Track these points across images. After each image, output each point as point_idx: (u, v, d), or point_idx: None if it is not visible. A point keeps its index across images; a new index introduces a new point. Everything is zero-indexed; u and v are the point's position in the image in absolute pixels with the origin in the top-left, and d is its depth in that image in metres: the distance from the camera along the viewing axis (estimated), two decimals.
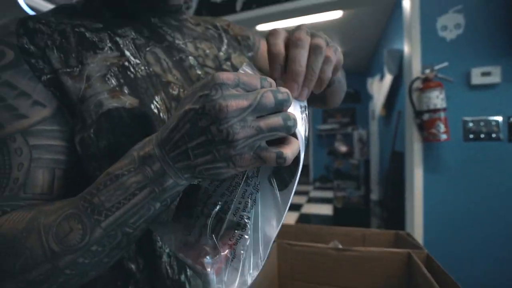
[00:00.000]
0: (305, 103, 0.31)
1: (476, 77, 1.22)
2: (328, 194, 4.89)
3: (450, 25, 1.28)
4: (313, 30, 0.30)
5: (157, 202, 0.25)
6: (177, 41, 0.43)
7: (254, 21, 1.72)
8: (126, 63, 0.36)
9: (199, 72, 0.42)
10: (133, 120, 0.33)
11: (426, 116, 1.24)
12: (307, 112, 0.31)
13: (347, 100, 6.52)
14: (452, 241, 1.28)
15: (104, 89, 0.33)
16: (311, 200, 4.84)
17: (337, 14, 3.33)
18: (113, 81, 0.34)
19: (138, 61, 0.37)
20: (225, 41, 0.51)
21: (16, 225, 0.27)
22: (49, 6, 2.94)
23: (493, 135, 1.21)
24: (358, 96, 6.45)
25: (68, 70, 0.33)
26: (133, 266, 0.35)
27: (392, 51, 2.89)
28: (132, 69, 0.36)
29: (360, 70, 6.18)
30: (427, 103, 1.23)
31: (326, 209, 3.96)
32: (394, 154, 2.94)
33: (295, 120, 0.23)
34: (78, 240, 0.24)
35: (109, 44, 0.36)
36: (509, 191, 1.19)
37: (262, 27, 2.33)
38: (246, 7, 1.64)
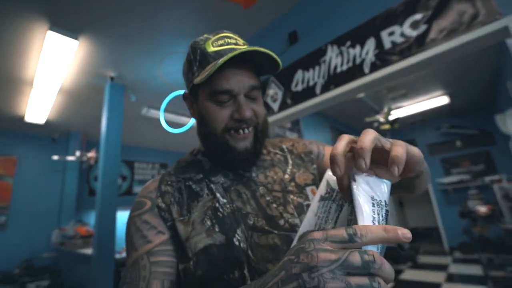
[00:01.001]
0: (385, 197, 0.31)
1: None
2: (477, 270, 3.63)
3: None
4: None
5: None
6: (253, 174, 0.56)
7: (336, 99, 1.83)
8: (217, 204, 0.50)
9: (268, 198, 0.53)
10: (221, 254, 0.45)
11: None
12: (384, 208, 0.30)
13: (473, 143, 5.30)
14: None
15: (202, 230, 0.47)
16: (453, 279, 3.68)
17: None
18: (208, 223, 0.48)
19: (225, 200, 0.51)
20: (290, 162, 0.61)
21: None
22: (181, 119, 4.01)
23: None
24: (489, 136, 5.15)
25: (181, 218, 0.49)
26: None
27: None
28: (221, 209, 0.49)
29: (480, 107, 5.12)
30: None
31: None
32: None
33: (380, 284, 0.24)
34: None
35: (206, 191, 0.52)
36: None
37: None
38: (325, 89, 1.80)
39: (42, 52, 2.27)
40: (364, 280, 0.24)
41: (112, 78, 2.78)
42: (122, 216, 5.02)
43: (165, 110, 3.64)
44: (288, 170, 0.59)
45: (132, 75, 2.88)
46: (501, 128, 4.06)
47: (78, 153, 3.95)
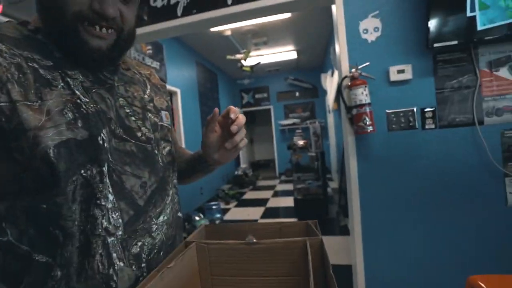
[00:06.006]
0: None
1: (394, 74, 1.38)
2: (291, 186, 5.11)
3: (370, 28, 1.42)
4: None
5: None
6: (116, 83, 0.51)
7: (197, 26, 1.73)
8: (78, 101, 0.43)
9: (127, 110, 0.51)
10: (82, 149, 0.41)
11: (354, 111, 1.37)
12: None
13: (306, 95, 6.80)
14: (386, 223, 1.45)
15: (62, 122, 0.40)
16: (277, 194, 5.00)
17: (285, 15, 3.45)
18: (69, 115, 0.40)
19: (87, 100, 0.44)
20: (149, 86, 0.61)
21: None
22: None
23: (410, 124, 1.39)
24: (316, 91, 6.75)
25: (28, 103, 0.38)
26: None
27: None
28: (84, 106, 0.43)
29: (315, 66, 6.46)
30: (355, 99, 1.36)
31: (289, 202, 4.14)
32: None
33: None
34: None
35: (62, 84, 0.42)
36: (426, 169, 1.39)
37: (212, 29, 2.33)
38: (186, 12, 1.65)
39: None
40: None
41: None
42: None
43: None
44: (147, 92, 0.60)
45: None
46: (322, 84, 5.40)
47: None
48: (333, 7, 1.57)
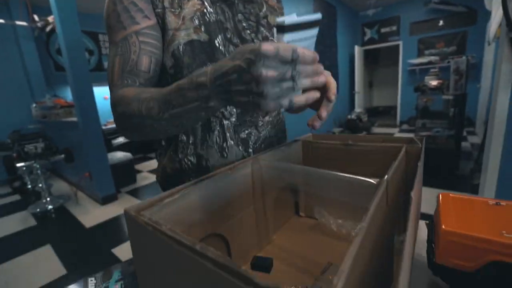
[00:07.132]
0: None
1: None
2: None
3: None
4: None
5: (202, 111, 0.37)
6: (236, 1, 0.62)
7: None
8: (205, 10, 0.56)
9: (244, 24, 0.62)
10: (204, 49, 0.56)
11: None
12: None
13: (456, 22, 5.18)
14: None
15: (191, 26, 0.54)
16: None
17: None
18: (196, 22, 0.55)
19: (212, 10, 0.57)
20: (265, 6, 0.69)
21: (131, 93, 0.45)
22: None
23: None
24: (473, 15, 4.99)
25: (172, 9, 0.53)
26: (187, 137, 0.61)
27: None
28: (208, 15, 0.56)
29: None
30: None
31: None
32: None
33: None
34: (155, 114, 0.40)
35: None
36: None
37: None
38: None
39: None
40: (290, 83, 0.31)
41: None
42: (99, 91, 4.97)
43: None
44: (263, 10, 0.67)
45: None
46: (486, 4, 3.92)
47: (36, 17, 3.40)
48: None
